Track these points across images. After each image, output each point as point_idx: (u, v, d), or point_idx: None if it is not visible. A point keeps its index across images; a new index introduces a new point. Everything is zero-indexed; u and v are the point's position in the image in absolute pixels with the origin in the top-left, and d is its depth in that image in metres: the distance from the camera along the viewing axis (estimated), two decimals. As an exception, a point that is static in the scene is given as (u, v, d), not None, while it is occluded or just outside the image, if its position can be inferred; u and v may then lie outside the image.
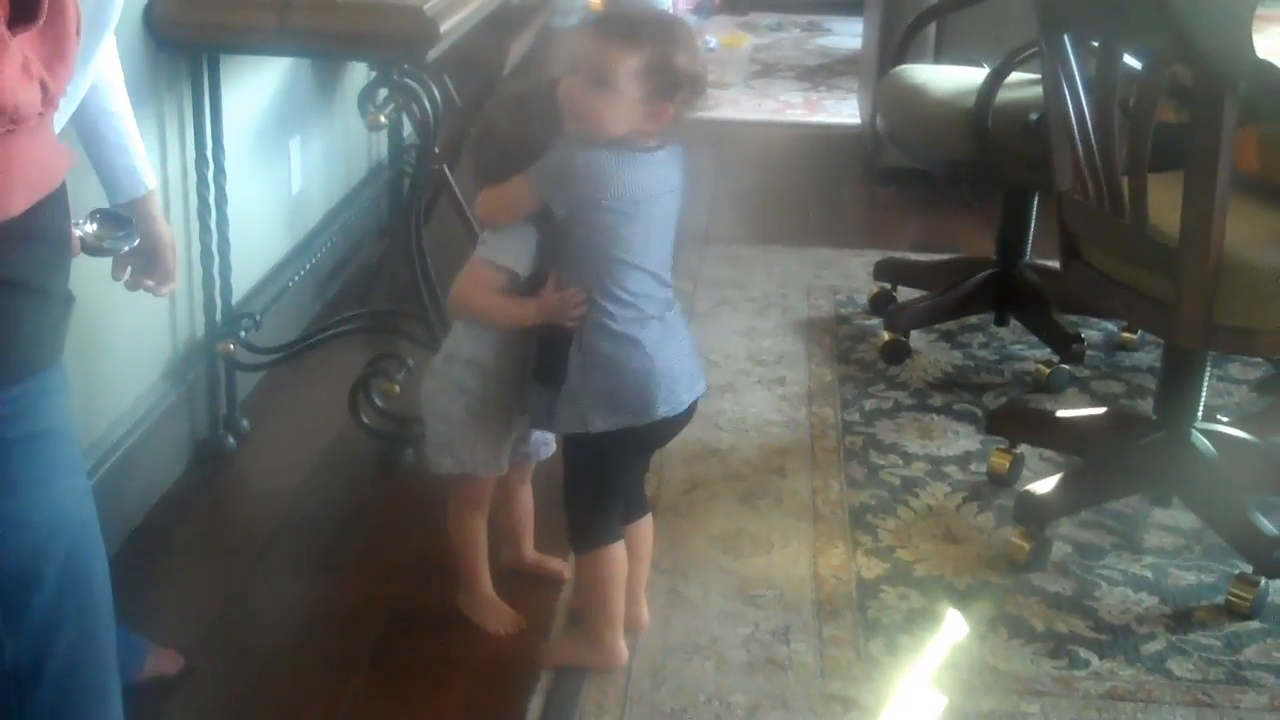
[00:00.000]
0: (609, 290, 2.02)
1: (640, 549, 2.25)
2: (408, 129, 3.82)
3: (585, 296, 2.02)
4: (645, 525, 2.26)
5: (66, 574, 1.27)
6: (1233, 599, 2.39)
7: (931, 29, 4.17)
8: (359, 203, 3.85)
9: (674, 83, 1.99)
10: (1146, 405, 3.06)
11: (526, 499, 2.40)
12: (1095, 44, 2.34)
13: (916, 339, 3.42)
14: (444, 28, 2.53)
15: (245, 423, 2.90)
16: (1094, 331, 3.46)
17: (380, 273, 3.59)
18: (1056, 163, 2.51)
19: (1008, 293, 3.45)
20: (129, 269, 1.85)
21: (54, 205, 1.21)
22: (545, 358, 2.11)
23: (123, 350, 2.54)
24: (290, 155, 3.34)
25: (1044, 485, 2.57)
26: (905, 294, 3.59)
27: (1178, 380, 2.57)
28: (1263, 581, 2.38)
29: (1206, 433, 2.59)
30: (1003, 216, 3.46)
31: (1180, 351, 2.53)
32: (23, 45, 1.11)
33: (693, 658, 2.23)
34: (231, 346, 2.81)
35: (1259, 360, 3.29)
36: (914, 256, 3.89)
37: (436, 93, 2.64)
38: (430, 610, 2.33)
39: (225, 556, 2.52)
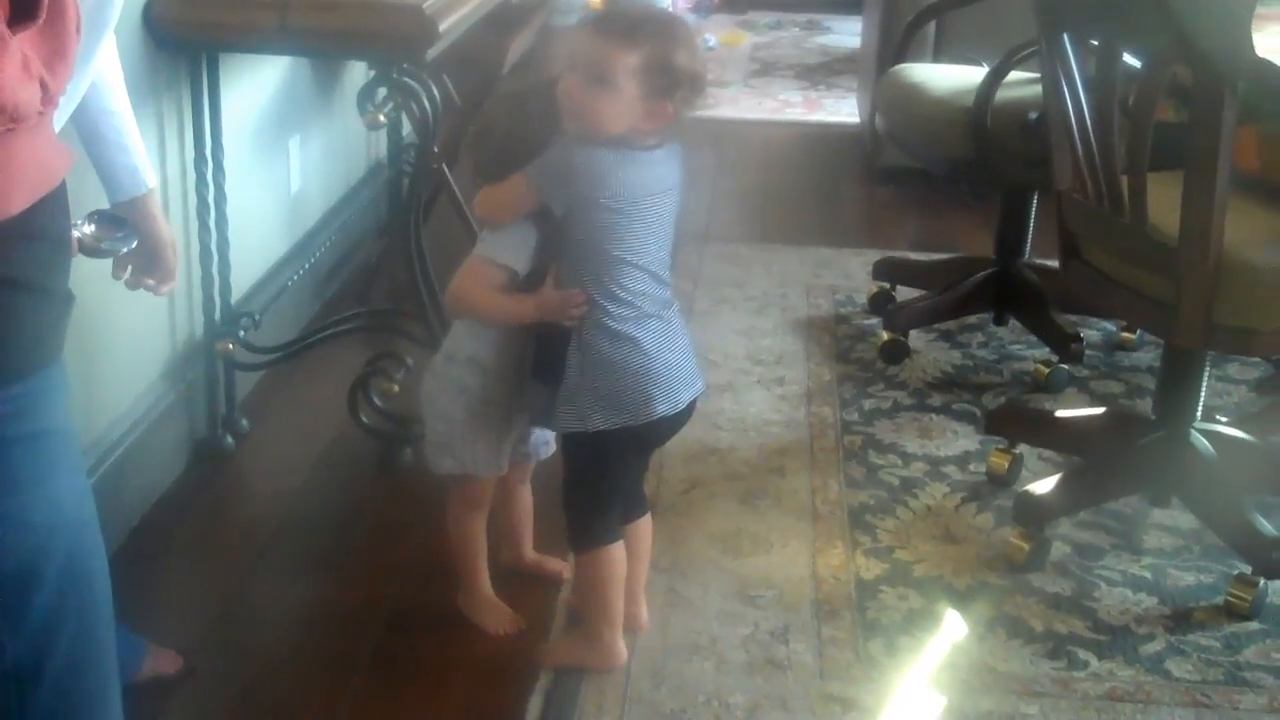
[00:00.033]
0: (607, 288, 2.02)
1: (639, 549, 2.25)
2: (407, 128, 3.81)
3: (585, 298, 2.02)
4: (644, 525, 2.26)
5: (67, 573, 1.27)
6: (1232, 600, 2.39)
7: (931, 28, 4.17)
8: (358, 202, 3.85)
9: (673, 81, 1.99)
10: (1145, 405, 3.06)
11: (526, 499, 2.40)
12: (1095, 43, 2.34)
13: (915, 338, 3.42)
14: (443, 26, 2.53)
15: (244, 422, 2.90)
16: (1093, 331, 3.46)
17: (379, 272, 3.59)
18: (1056, 162, 2.51)
19: (1007, 292, 3.45)
20: (129, 268, 1.85)
21: (54, 204, 1.21)
22: (544, 355, 2.11)
23: (122, 350, 2.54)
24: (289, 154, 3.34)
25: (1043, 485, 2.57)
26: (904, 293, 3.59)
27: (1177, 380, 2.57)
28: (1262, 582, 2.38)
29: (1206, 433, 2.59)
30: (1002, 216, 3.47)
31: (1179, 351, 2.53)
32: (23, 44, 1.11)
33: (692, 658, 2.23)
34: (230, 346, 2.81)
35: (1258, 360, 3.29)
36: (913, 256, 3.89)
37: (435, 92, 2.64)
38: (430, 610, 2.33)
39: (224, 556, 2.52)
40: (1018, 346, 3.45)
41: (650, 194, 2.04)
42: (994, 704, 2.15)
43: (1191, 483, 2.58)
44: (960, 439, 2.98)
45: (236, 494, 2.76)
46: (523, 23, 3.81)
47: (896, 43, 3.71)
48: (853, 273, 3.89)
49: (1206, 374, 2.57)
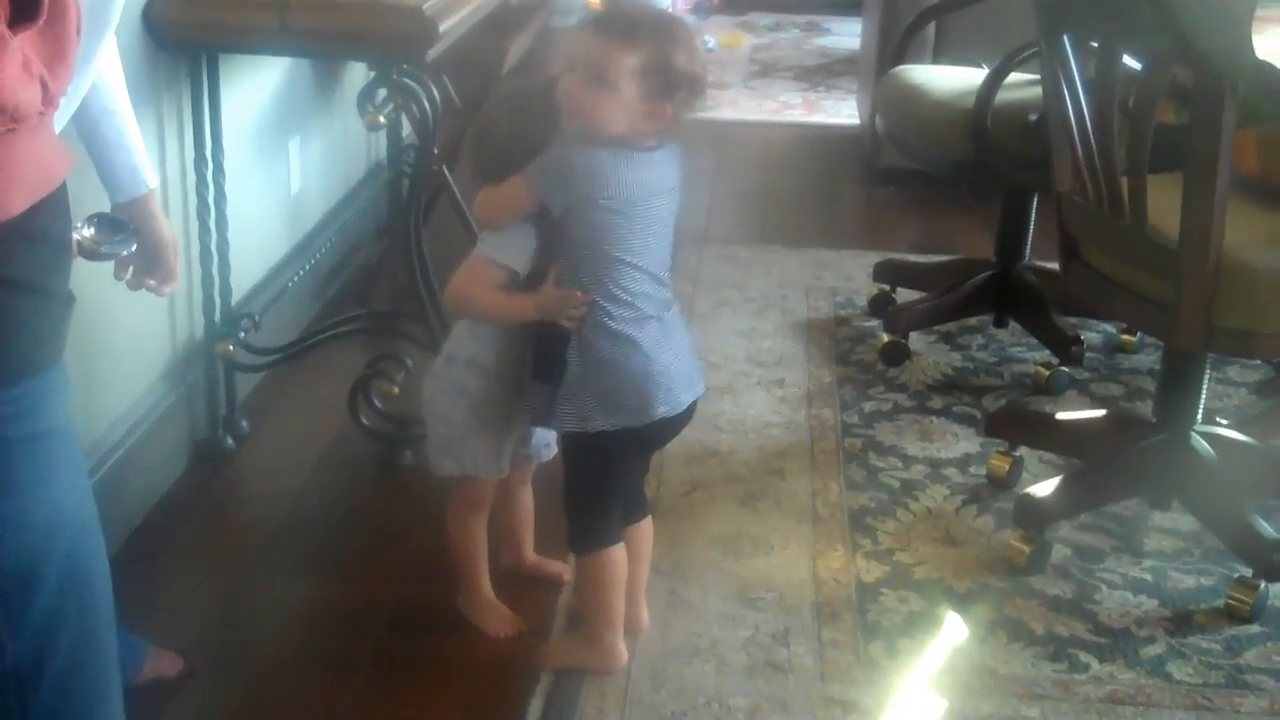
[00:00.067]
0: (607, 289, 2.02)
1: (640, 551, 2.25)
2: (407, 129, 3.81)
3: (585, 299, 2.02)
4: (645, 527, 2.26)
5: (67, 574, 1.26)
6: (1232, 602, 2.39)
7: (930, 29, 4.17)
8: (358, 203, 3.85)
9: (673, 83, 1.99)
10: (1146, 408, 3.06)
11: (527, 501, 2.40)
12: (1095, 45, 2.34)
13: (916, 341, 3.42)
14: (443, 28, 2.53)
15: (245, 423, 2.90)
16: (1093, 333, 3.46)
17: (379, 273, 3.59)
18: (1056, 164, 2.51)
19: (1007, 294, 3.45)
20: (131, 269, 1.84)
21: (54, 205, 1.21)
22: (544, 356, 2.10)
23: (122, 351, 2.54)
24: (289, 155, 3.34)
25: (1043, 488, 2.57)
26: (904, 295, 3.58)
27: (1177, 382, 2.57)
28: (1262, 585, 2.38)
29: (1206, 435, 2.58)
30: (1002, 218, 3.46)
31: (1180, 354, 2.53)
32: (23, 44, 1.11)
33: (692, 660, 2.23)
34: (231, 347, 2.81)
35: (1258, 363, 3.29)
36: (913, 258, 3.88)
37: (435, 93, 2.64)
38: (430, 612, 2.33)
39: (225, 557, 2.52)
40: (1018, 349, 3.45)
41: (650, 195, 2.04)
42: (995, 706, 2.15)
43: (1192, 485, 2.58)
44: (961, 441, 2.98)
45: (237, 495, 2.76)
46: (522, 24, 3.81)
47: (896, 44, 3.71)
48: (853, 275, 3.89)
49: (1207, 376, 2.57)
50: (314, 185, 3.53)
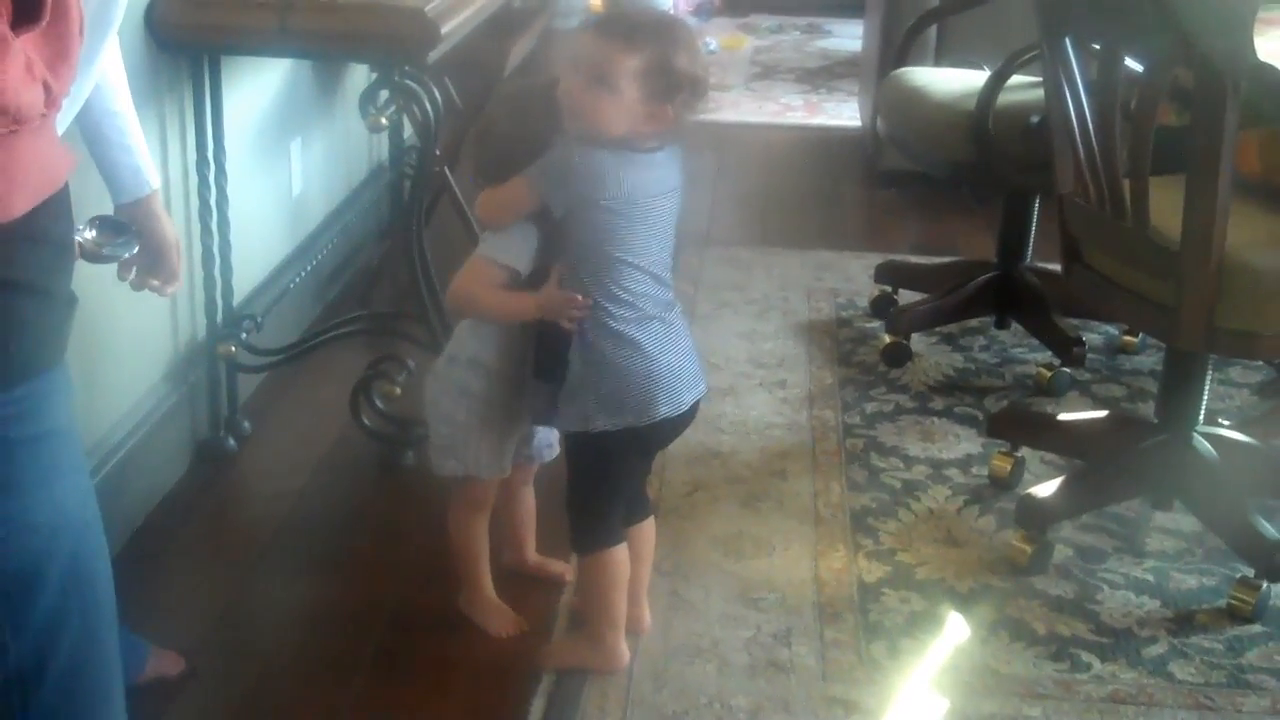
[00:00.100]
0: (608, 289, 2.02)
1: (643, 551, 2.25)
2: (408, 131, 3.81)
3: (587, 302, 2.02)
4: (647, 527, 2.26)
5: (70, 574, 1.27)
6: (1234, 602, 2.39)
7: (932, 32, 4.17)
8: (360, 204, 3.85)
9: (674, 85, 1.99)
10: (1148, 408, 3.06)
11: (529, 501, 2.40)
12: (1096, 47, 2.34)
13: (917, 342, 3.42)
14: (445, 29, 2.53)
15: (246, 424, 2.90)
16: (1095, 335, 3.46)
17: (381, 274, 3.59)
18: (1058, 166, 2.51)
19: (1009, 296, 3.45)
20: (134, 269, 1.85)
21: (57, 207, 1.21)
22: (546, 355, 2.11)
23: (124, 352, 2.54)
24: (291, 157, 3.34)
25: (1045, 488, 2.57)
26: (906, 297, 3.59)
27: (1179, 383, 2.57)
28: (1264, 585, 2.38)
29: (1208, 436, 2.59)
30: (1003, 219, 3.46)
31: (1181, 354, 2.53)
32: (26, 46, 1.11)
33: (694, 660, 2.23)
34: (233, 348, 2.81)
35: (1260, 363, 3.29)
36: (915, 259, 3.88)
37: (437, 94, 2.64)
38: (431, 612, 2.33)
39: (226, 557, 2.52)
40: (1020, 350, 3.45)
41: (651, 195, 2.04)
42: (996, 706, 2.15)
43: (1194, 486, 2.58)
44: (962, 442, 2.98)
45: (238, 495, 2.76)
46: (524, 26, 3.81)
47: (898, 46, 3.71)
48: (854, 276, 3.89)
49: (1208, 377, 2.57)
50: (316, 186, 3.53)
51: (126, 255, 1.75)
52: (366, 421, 2.80)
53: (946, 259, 3.80)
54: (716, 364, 3.27)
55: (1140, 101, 2.27)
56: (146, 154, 1.80)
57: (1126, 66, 2.31)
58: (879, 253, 3.94)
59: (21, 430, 1.21)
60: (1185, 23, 2.13)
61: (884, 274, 3.68)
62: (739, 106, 5.76)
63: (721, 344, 3.42)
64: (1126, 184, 2.30)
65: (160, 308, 2.65)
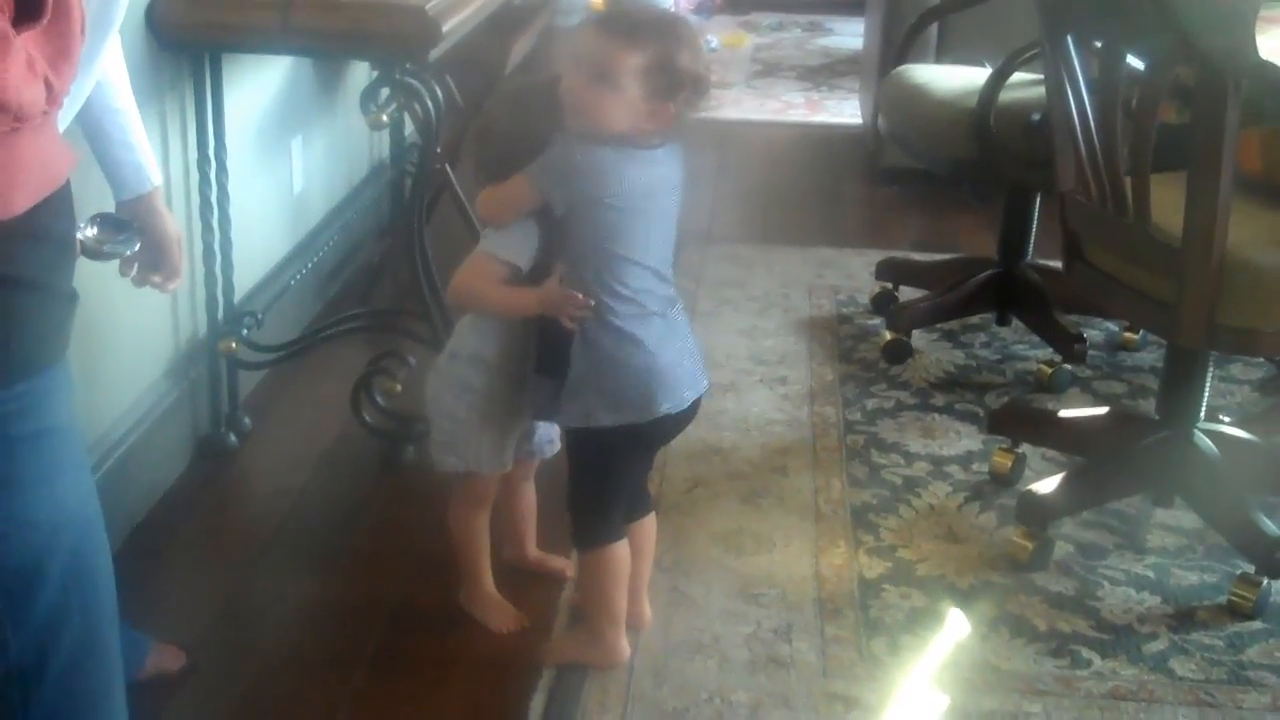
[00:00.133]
0: (609, 286, 2.03)
1: (644, 547, 2.25)
2: (409, 128, 3.82)
3: (589, 302, 2.01)
4: (649, 524, 2.26)
5: (71, 571, 1.27)
6: (1235, 599, 2.39)
7: (933, 29, 4.17)
8: (361, 202, 3.85)
9: (676, 82, 1.99)
10: (1149, 405, 3.06)
11: (529, 497, 2.40)
12: (1098, 44, 2.34)
13: (918, 338, 3.42)
14: (446, 27, 2.53)
15: (247, 421, 2.90)
16: (1096, 331, 3.46)
17: (382, 272, 3.59)
18: (1059, 163, 2.51)
19: (1009, 293, 3.45)
20: (135, 266, 1.85)
21: (58, 204, 1.22)
22: (548, 350, 2.11)
23: (125, 348, 2.54)
24: (292, 154, 3.34)
25: (1046, 485, 2.57)
26: (907, 294, 3.58)
27: (1180, 380, 2.57)
28: (1265, 581, 2.38)
29: (1209, 433, 2.59)
30: (1005, 216, 3.46)
31: (1182, 351, 2.53)
32: (27, 43, 1.11)
33: (695, 656, 2.23)
34: (233, 345, 2.82)
35: (1261, 360, 3.29)
36: (916, 256, 3.88)
37: (438, 92, 2.64)
38: (432, 608, 2.34)
39: (227, 554, 2.52)
40: (1020, 347, 3.45)
41: (652, 192, 2.04)
42: (997, 703, 2.15)
43: (1195, 482, 2.58)
44: (963, 439, 2.98)
45: (239, 492, 2.77)
46: (525, 24, 3.81)
47: (899, 44, 3.71)
48: (855, 273, 3.89)
49: (1209, 374, 2.57)
50: (317, 184, 3.54)
51: (128, 252, 1.75)
52: (367, 418, 2.81)
53: (947, 256, 3.80)
54: (717, 361, 3.27)
55: (1142, 99, 2.27)
56: (148, 151, 1.80)
57: (1128, 64, 2.31)
58: (880, 249, 3.95)
59: (23, 427, 1.21)
60: (1186, 21, 2.13)
61: (885, 271, 3.68)
62: (740, 104, 5.76)
63: (722, 341, 3.42)
64: (1128, 181, 2.30)
65: (161, 304, 2.66)
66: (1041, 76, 2.68)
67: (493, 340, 2.17)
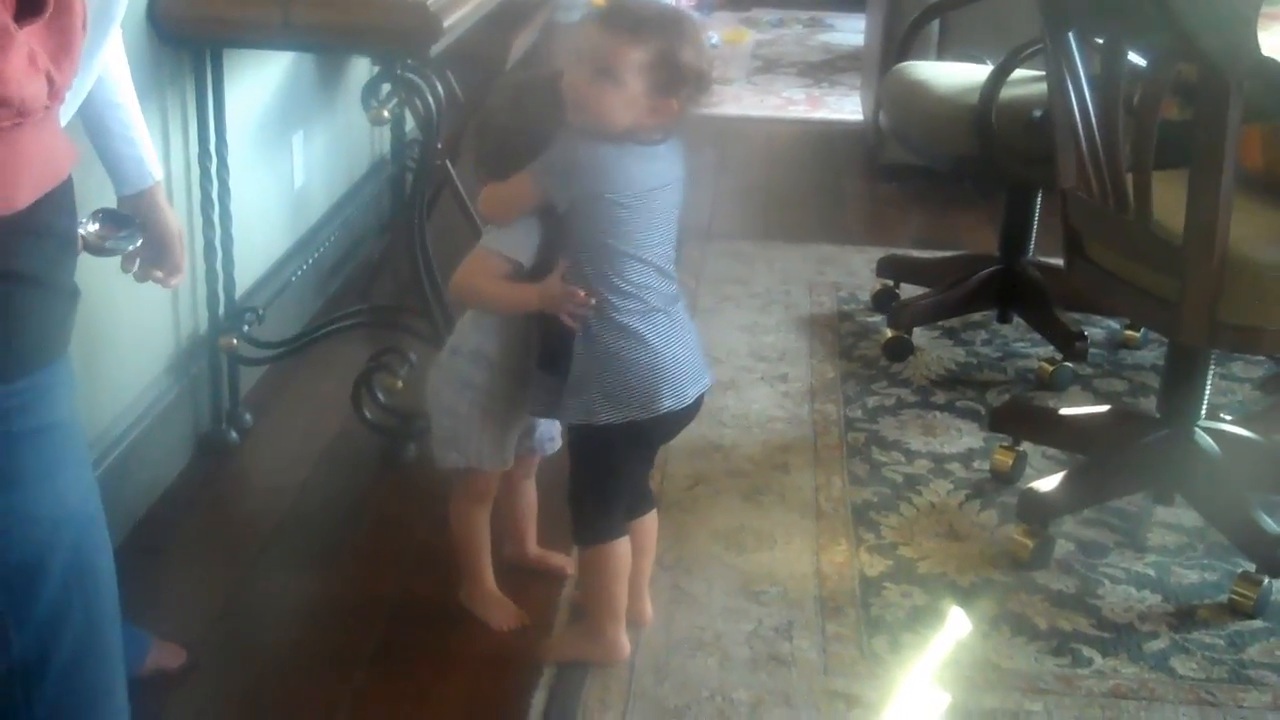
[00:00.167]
0: (611, 282, 2.02)
1: (645, 544, 2.25)
2: (410, 124, 3.81)
3: (590, 299, 2.01)
4: (650, 521, 2.26)
5: (72, 567, 1.27)
6: (1236, 597, 2.39)
7: (934, 25, 4.16)
8: (361, 198, 3.85)
9: (679, 78, 1.99)
10: (1150, 403, 3.06)
11: (530, 494, 2.40)
12: (1099, 41, 2.34)
13: (919, 336, 3.42)
14: (447, 23, 2.53)
15: (248, 417, 2.90)
16: (1097, 329, 3.46)
17: (383, 268, 3.59)
18: (1060, 160, 2.51)
19: (1011, 290, 3.45)
20: (137, 261, 1.85)
21: (60, 199, 1.22)
22: (549, 347, 2.11)
23: (126, 344, 2.54)
24: (293, 150, 3.34)
25: (1047, 483, 2.57)
26: (908, 291, 3.58)
27: (1181, 378, 2.57)
28: (1266, 580, 2.38)
29: (1210, 431, 2.58)
30: (1006, 213, 3.46)
31: (1184, 349, 2.53)
32: (29, 38, 1.11)
33: (696, 653, 2.23)
34: (234, 341, 2.81)
35: (1262, 359, 3.29)
36: (916, 253, 3.88)
37: (439, 88, 2.64)
38: (433, 605, 2.33)
39: (228, 550, 2.52)
40: (1022, 344, 3.45)
41: (653, 188, 2.04)
42: (998, 701, 2.15)
43: (1196, 480, 2.58)
44: (964, 436, 2.98)
45: (240, 488, 2.77)
46: (526, 19, 3.81)
47: (900, 40, 3.71)
48: (856, 270, 3.89)
49: (1211, 372, 2.57)
50: (317, 180, 3.53)
51: (130, 248, 1.75)
52: (368, 414, 2.81)
53: (948, 253, 3.80)
54: (718, 358, 3.27)
55: (1143, 96, 2.27)
56: (149, 146, 1.80)
57: (1130, 61, 2.31)
58: (881, 247, 3.94)
59: (24, 423, 1.21)
60: (1188, 18, 2.13)
61: (886, 268, 3.68)
62: (741, 100, 5.75)
63: (723, 338, 3.42)
64: (1129, 178, 2.30)
65: (162, 300, 2.65)
66: (1043, 73, 2.68)
67: (494, 336, 2.17)
